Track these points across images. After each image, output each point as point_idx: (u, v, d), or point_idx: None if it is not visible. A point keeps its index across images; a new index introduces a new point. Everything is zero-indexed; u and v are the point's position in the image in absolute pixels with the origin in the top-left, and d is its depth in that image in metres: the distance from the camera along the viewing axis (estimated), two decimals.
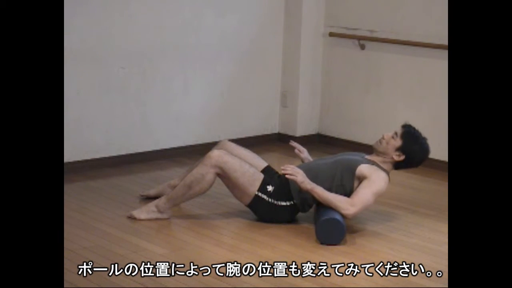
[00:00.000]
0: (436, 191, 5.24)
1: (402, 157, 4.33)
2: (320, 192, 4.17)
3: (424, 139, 4.39)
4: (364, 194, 4.16)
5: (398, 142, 4.33)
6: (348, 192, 4.23)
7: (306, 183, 4.17)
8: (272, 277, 3.63)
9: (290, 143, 4.79)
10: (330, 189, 4.24)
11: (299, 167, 4.40)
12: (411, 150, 4.34)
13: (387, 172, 4.32)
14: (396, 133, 4.36)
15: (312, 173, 4.29)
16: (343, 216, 4.11)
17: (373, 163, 4.32)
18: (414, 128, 4.40)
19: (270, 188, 4.29)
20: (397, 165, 4.39)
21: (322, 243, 4.05)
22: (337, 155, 4.53)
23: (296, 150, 4.75)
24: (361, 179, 4.23)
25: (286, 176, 4.19)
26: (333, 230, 4.05)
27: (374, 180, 4.20)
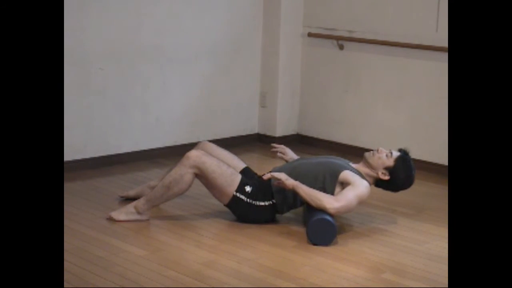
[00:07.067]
0: (415, 190, 5.24)
1: (387, 178, 4.35)
2: (305, 188, 4.16)
3: (414, 171, 4.40)
4: (349, 195, 4.15)
5: (390, 162, 4.34)
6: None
7: (290, 181, 4.16)
8: (253, 277, 3.63)
9: (272, 148, 4.77)
10: None
11: (282, 167, 4.40)
12: (398, 176, 4.35)
13: (369, 183, 4.34)
14: (391, 153, 4.37)
15: (295, 173, 4.29)
16: (326, 211, 4.09)
17: (357, 172, 4.32)
18: (409, 156, 4.40)
19: (248, 188, 4.28)
20: (378, 183, 4.41)
21: (313, 244, 4.04)
22: (321, 156, 4.52)
23: (279, 154, 4.73)
24: (344, 184, 4.23)
25: (269, 177, 4.18)
26: (325, 231, 4.03)
27: (358, 185, 4.20)
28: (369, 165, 4.38)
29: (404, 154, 4.40)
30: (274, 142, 6.32)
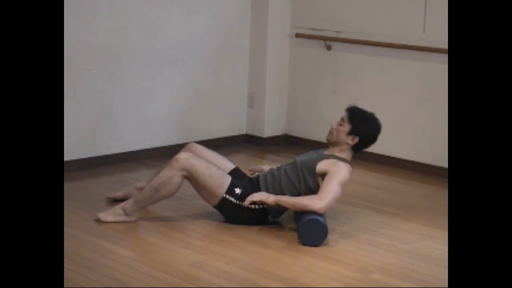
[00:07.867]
0: (402, 190, 5.28)
1: (357, 139, 4.32)
2: (287, 199, 4.17)
3: (371, 114, 4.39)
4: (330, 187, 4.14)
5: (347, 127, 4.33)
6: (315, 193, 4.23)
7: (271, 198, 4.18)
8: (241, 278, 3.63)
9: (249, 172, 4.68)
10: (298, 194, 4.25)
11: (263, 177, 4.37)
12: (363, 130, 4.33)
13: (348, 161, 4.32)
14: (342, 119, 4.36)
15: (277, 182, 4.30)
16: (316, 212, 4.10)
17: (332, 156, 4.31)
18: (357, 108, 4.39)
19: (238, 190, 4.28)
20: (355, 148, 4.37)
21: (304, 244, 4.04)
22: (297, 157, 4.51)
23: (256, 174, 4.66)
24: (323, 175, 4.23)
25: (250, 202, 4.20)
26: (316, 232, 4.03)
27: (335, 171, 4.19)
28: (335, 143, 4.36)
29: (352, 109, 4.38)
30: (262, 143, 6.34)
